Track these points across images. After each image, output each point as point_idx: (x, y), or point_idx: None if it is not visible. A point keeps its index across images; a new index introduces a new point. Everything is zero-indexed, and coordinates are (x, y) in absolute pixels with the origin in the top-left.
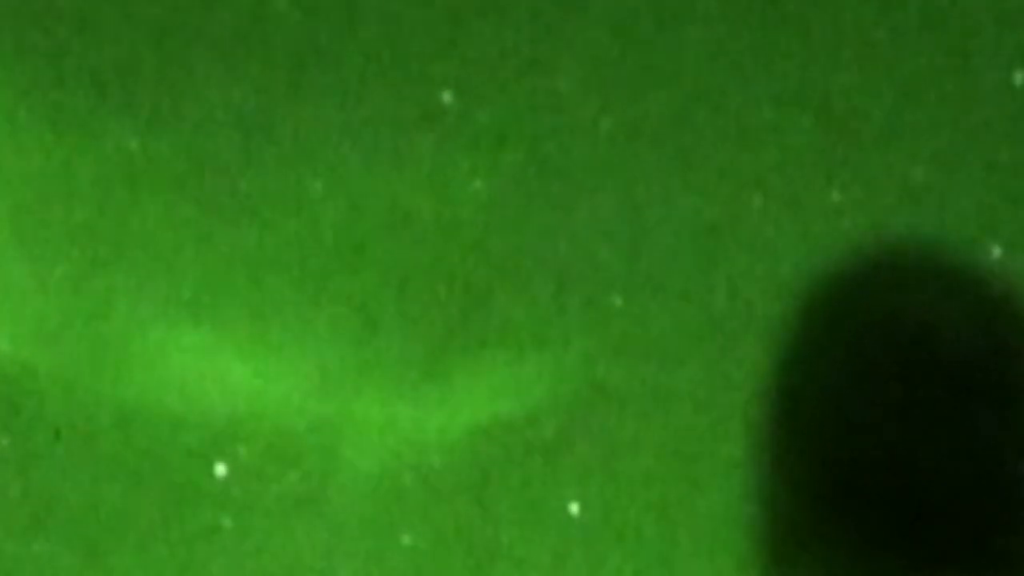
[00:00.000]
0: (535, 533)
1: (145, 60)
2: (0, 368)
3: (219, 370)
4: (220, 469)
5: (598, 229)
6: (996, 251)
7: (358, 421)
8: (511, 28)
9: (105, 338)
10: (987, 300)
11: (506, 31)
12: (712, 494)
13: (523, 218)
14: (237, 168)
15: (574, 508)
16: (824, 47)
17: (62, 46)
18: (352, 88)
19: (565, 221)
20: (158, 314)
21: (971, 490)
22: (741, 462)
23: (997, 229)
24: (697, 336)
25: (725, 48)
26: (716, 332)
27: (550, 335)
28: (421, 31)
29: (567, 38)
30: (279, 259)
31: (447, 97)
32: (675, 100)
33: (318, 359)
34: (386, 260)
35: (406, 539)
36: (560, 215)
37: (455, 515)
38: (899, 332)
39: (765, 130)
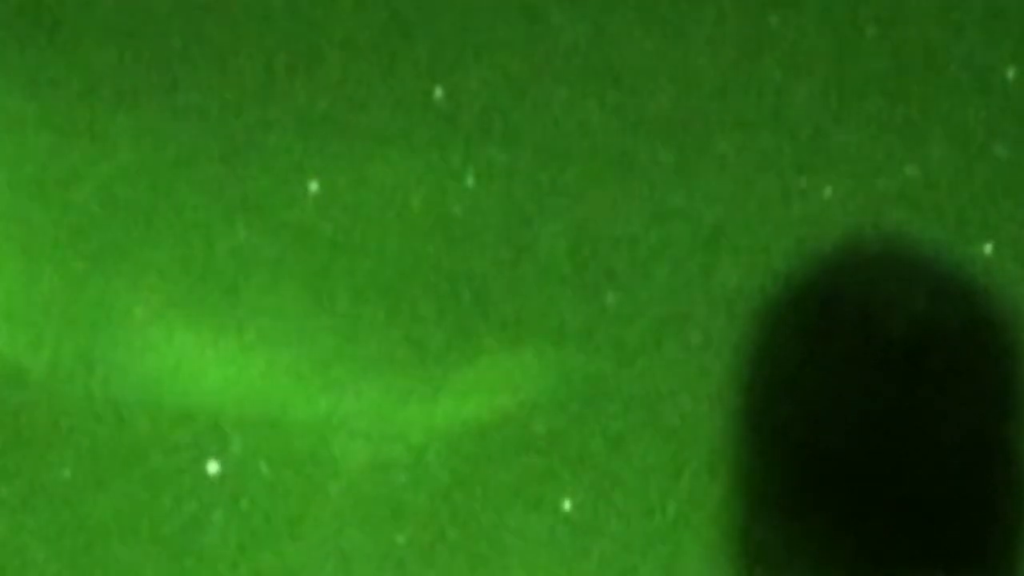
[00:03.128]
0: (528, 529)
1: (144, 62)
2: None
3: (213, 368)
4: (212, 466)
5: (591, 225)
6: (988, 248)
7: (351, 418)
8: (502, 24)
9: (100, 336)
10: (979, 298)
11: (497, 27)
12: (704, 490)
13: (516, 215)
14: (233, 167)
15: (567, 504)
16: (818, 43)
17: (63, 48)
18: (346, 86)
19: (558, 218)
20: (153, 313)
21: (963, 490)
22: (734, 459)
23: (989, 226)
24: (690, 333)
25: (723, 46)
26: (710, 329)
27: (543, 332)
28: (413, 27)
29: (561, 34)
30: (274, 257)
31: (438, 92)
32: (670, 97)
33: (311, 357)
34: (380, 258)
35: (400, 537)
36: (553, 211)
37: (449, 513)
38: (890, 329)
39: (759, 127)
